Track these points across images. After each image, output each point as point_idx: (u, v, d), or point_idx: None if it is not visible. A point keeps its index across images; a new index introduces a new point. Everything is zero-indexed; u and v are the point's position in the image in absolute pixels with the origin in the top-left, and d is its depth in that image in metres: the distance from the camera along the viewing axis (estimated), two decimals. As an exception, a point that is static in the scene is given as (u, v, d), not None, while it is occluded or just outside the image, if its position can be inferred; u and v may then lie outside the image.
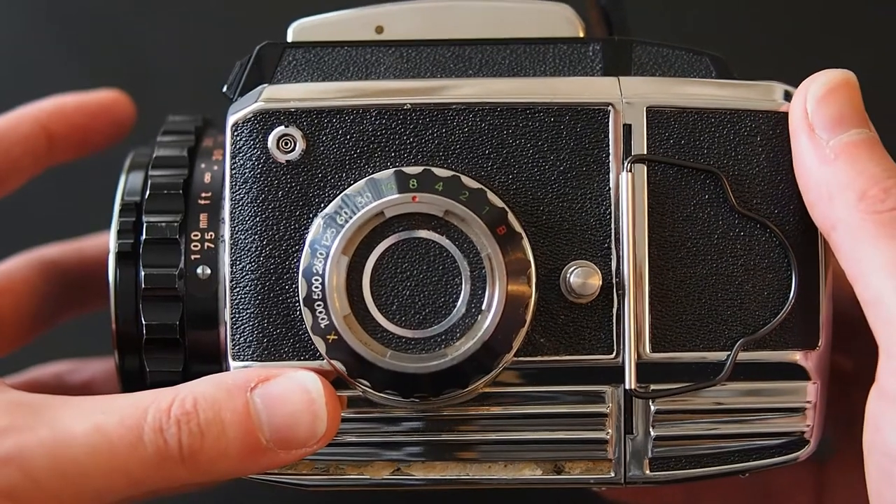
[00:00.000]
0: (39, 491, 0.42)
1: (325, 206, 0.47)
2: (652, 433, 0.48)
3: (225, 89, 0.50)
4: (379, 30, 0.51)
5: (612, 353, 0.47)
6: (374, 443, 0.48)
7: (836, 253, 0.45)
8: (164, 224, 0.49)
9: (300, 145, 0.47)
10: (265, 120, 0.47)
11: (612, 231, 0.47)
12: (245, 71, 0.49)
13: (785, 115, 0.48)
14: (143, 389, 0.49)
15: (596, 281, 0.47)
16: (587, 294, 0.47)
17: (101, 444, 0.43)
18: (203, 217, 0.50)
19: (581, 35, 0.51)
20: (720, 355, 0.48)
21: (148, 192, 0.50)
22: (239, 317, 0.47)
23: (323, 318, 0.46)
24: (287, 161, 0.47)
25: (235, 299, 0.47)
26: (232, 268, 0.47)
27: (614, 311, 0.47)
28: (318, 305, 0.46)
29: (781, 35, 0.73)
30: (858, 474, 0.45)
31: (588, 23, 0.52)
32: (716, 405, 0.48)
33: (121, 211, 0.50)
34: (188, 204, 0.50)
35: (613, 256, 0.47)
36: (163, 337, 0.49)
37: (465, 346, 0.46)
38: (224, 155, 0.48)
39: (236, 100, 0.49)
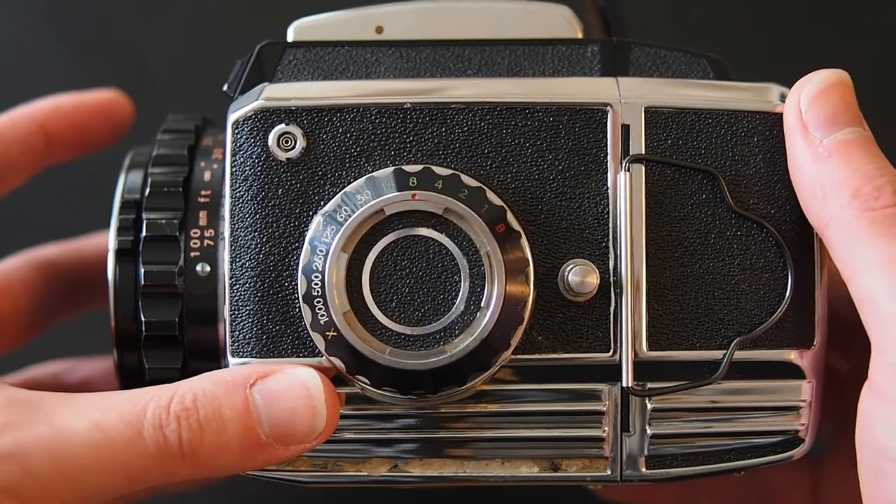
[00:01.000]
0: (39, 487, 0.42)
1: (325, 204, 0.47)
2: (648, 431, 0.48)
3: (226, 88, 0.50)
4: (379, 30, 0.51)
5: (609, 352, 0.48)
6: (372, 439, 0.48)
7: (830, 251, 0.46)
8: (163, 221, 0.49)
9: (300, 143, 0.48)
10: (266, 118, 0.48)
11: (610, 230, 0.48)
12: (246, 70, 0.50)
13: (781, 116, 0.48)
14: (142, 387, 0.49)
15: (594, 280, 0.47)
16: (585, 292, 0.47)
17: (100, 440, 0.43)
18: (203, 215, 0.50)
19: (580, 36, 0.51)
20: (716, 354, 0.48)
21: (148, 190, 0.50)
22: (238, 314, 0.48)
23: (322, 315, 0.46)
24: (287, 159, 0.48)
25: (235, 296, 0.47)
26: (232, 265, 0.48)
27: (612, 309, 0.48)
28: (318, 302, 0.46)
29: (778, 36, 0.74)
30: (854, 472, 0.45)
31: (587, 24, 0.52)
32: (712, 403, 0.48)
33: (121, 208, 0.50)
34: (188, 201, 0.50)
35: (611, 255, 0.48)
36: (162, 334, 0.49)
37: (463, 344, 0.46)
38: (224, 153, 0.48)
39: (237, 98, 0.49)
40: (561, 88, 0.48)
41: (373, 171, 0.47)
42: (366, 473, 0.48)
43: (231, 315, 0.48)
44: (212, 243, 0.49)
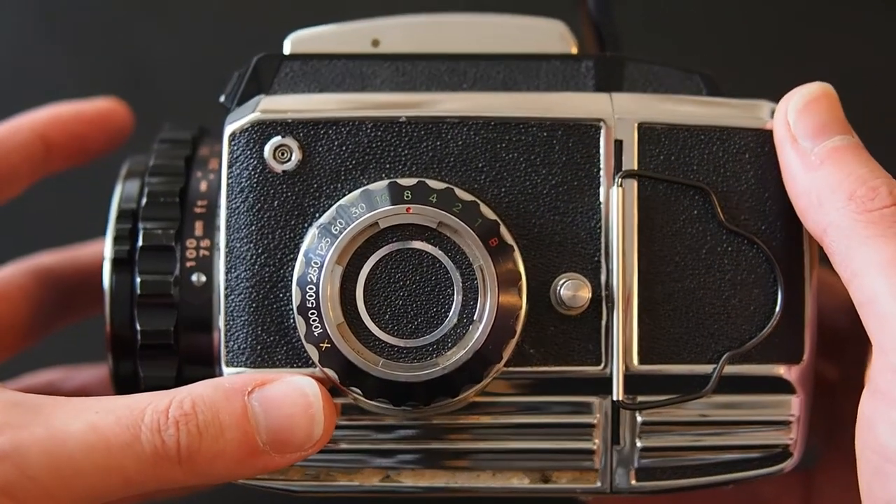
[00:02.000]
0: (35, 488, 0.42)
1: (320, 216, 0.48)
2: (638, 444, 0.49)
3: (222, 99, 0.50)
4: (375, 43, 0.51)
5: (600, 365, 0.48)
6: (365, 450, 0.49)
7: (830, 256, 0.46)
8: (160, 231, 0.50)
9: (296, 156, 0.48)
10: (262, 130, 0.48)
11: (603, 245, 0.48)
12: (242, 82, 0.50)
13: (771, 132, 0.48)
14: (136, 392, 0.49)
15: (586, 294, 0.48)
16: (577, 306, 0.48)
17: (97, 442, 0.43)
18: (199, 225, 0.50)
19: (574, 51, 0.51)
20: (706, 368, 0.48)
21: (144, 200, 0.50)
22: (233, 324, 0.48)
23: (316, 327, 0.46)
24: (283, 171, 0.48)
25: (230, 306, 0.48)
26: (227, 275, 0.48)
27: (603, 323, 0.48)
28: (312, 314, 0.46)
29: (770, 53, 0.74)
30: (845, 480, 0.46)
31: (581, 39, 0.53)
32: (701, 417, 0.49)
33: (117, 218, 0.51)
34: (184, 212, 0.50)
35: (603, 270, 0.48)
36: (157, 343, 0.49)
37: (456, 356, 0.46)
38: (221, 164, 0.49)
39: (234, 110, 0.49)
40: (555, 104, 0.49)
41: (368, 184, 0.48)
42: (358, 483, 0.49)
43: (226, 325, 0.48)
44: (207, 253, 0.50)
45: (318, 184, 0.48)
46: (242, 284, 0.48)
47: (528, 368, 0.48)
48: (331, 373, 0.47)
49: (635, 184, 0.48)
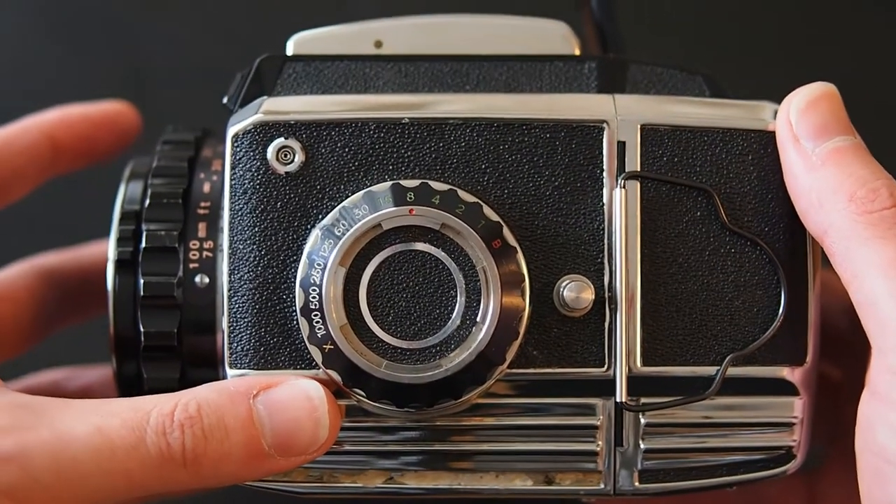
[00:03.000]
0: (39, 489, 0.43)
1: (323, 218, 0.48)
2: (642, 445, 0.49)
3: (225, 101, 0.50)
4: (378, 44, 0.51)
5: (603, 367, 0.48)
6: (368, 451, 0.49)
7: (831, 257, 0.46)
8: (163, 233, 0.50)
9: (299, 157, 0.48)
10: (265, 132, 0.48)
11: (606, 246, 0.48)
12: (246, 83, 0.50)
13: (774, 133, 0.49)
14: (141, 395, 0.49)
15: (589, 295, 0.48)
16: (580, 308, 0.48)
17: (101, 444, 0.43)
18: (202, 226, 0.50)
19: (577, 52, 0.51)
20: (710, 370, 0.48)
21: (148, 201, 0.50)
22: (236, 325, 0.48)
23: (320, 329, 0.47)
24: (286, 172, 0.48)
25: (233, 308, 0.48)
26: (230, 277, 0.48)
27: (606, 325, 0.48)
28: (315, 315, 0.46)
29: (774, 53, 0.74)
30: (849, 482, 0.46)
31: (584, 40, 0.53)
32: (705, 419, 0.49)
33: (120, 219, 0.51)
34: (187, 213, 0.50)
35: (606, 271, 0.48)
36: (161, 344, 0.49)
37: (459, 358, 0.46)
38: (224, 165, 0.49)
39: (237, 111, 0.49)
40: (558, 105, 0.49)
41: (371, 186, 0.48)
42: (361, 485, 0.49)
43: (229, 326, 0.48)
44: (210, 255, 0.50)
45: (321, 185, 0.48)
46: (246, 286, 0.48)
47: (532, 370, 0.48)
48: (334, 374, 0.47)
49: (638, 185, 0.48)
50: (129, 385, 0.51)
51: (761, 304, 0.49)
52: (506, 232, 0.47)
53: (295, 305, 0.47)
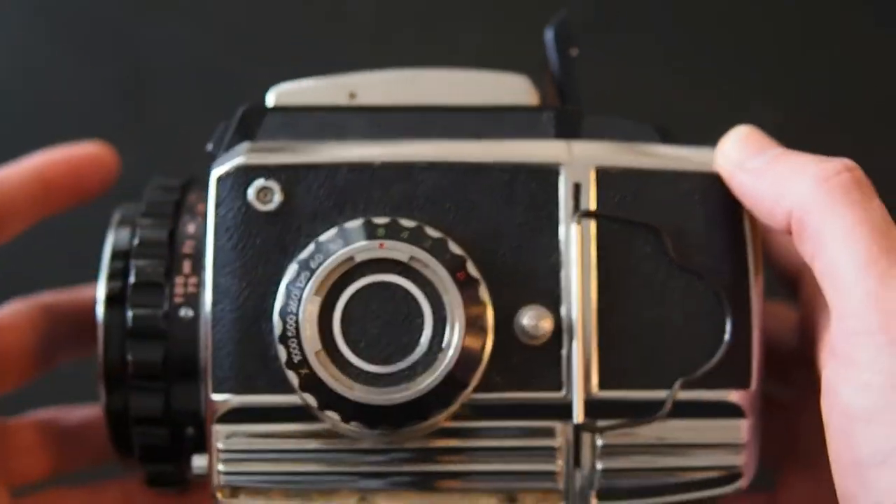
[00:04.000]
0: None
1: (300, 252, 0.51)
2: (599, 466, 0.51)
3: (210, 148, 0.54)
4: (352, 96, 0.55)
5: (561, 391, 0.51)
6: (342, 472, 0.51)
7: (797, 241, 0.48)
8: (150, 269, 0.53)
9: (278, 197, 0.52)
10: (247, 173, 0.52)
11: (563, 279, 0.51)
12: (229, 131, 0.53)
13: (718, 176, 0.52)
14: (127, 421, 0.52)
15: (547, 324, 0.51)
16: (539, 336, 0.51)
17: None
18: (187, 263, 0.53)
19: (536, 104, 0.55)
20: (662, 394, 0.51)
21: (137, 240, 0.54)
22: (218, 353, 0.51)
23: (296, 354, 0.49)
24: (266, 211, 0.51)
25: (216, 337, 0.51)
26: (213, 308, 0.51)
27: (564, 352, 0.51)
28: (292, 342, 0.50)
29: (719, 104, 0.78)
30: (808, 493, 0.48)
31: (544, 92, 0.57)
32: (658, 440, 0.51)
33: (111, 258, 0.54)
34: (173, 251, 0.54)
35: (563, 302, 0.51)
36: (147, 373, 0.52)
37: (426, 381, 0.49)
38: (207, 205, 0.52)
39: (220, 156, 0.53)
40: (518, 150, 0.52)
41: (344, 223, 0.51)
42: (335, 503, 0.52)
43: (212, 355, 0.51)
44: (195, 290, 0.53)
45: (299, 223, 0.51)
46: (228, 317, 0.51)
47: (495, 394, 0.51)
48: (309, 398, 0.50)
49: (593, 223, 0.52)
50: (117, 416, 0.54)
51: (708, 333, 0.52)
52: (469, 265, 0.50)
53: (273, 334, 0.50)
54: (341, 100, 0.55)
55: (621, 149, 0.53)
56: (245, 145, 0.52)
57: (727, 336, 0.52)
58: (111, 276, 0.54)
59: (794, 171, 0.49)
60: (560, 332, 0.51)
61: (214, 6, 0.77)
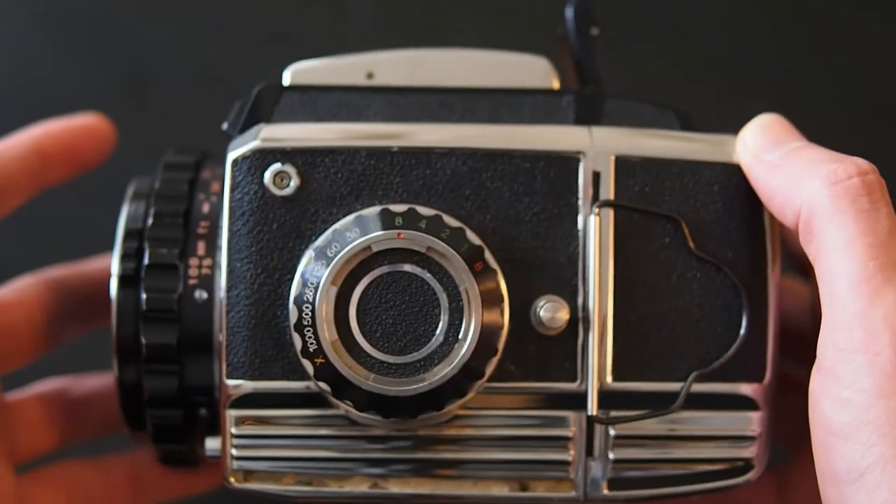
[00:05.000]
0: None
1: (316, 239, 0.50)
2: (611, 456, 0.52)
3: (225, 127, 0.53)
4: (369, 76, 0.54)
5: (576, 382, 0.51)
6: (355, 459, 0.51)
7: (804, 245, 0.48)
8: (165, 251, 0.53)
9: (295, 182, 0.51)
10: (263, 157, 0.51)
11: (580, 269, 0.51)
12: (244, 111, 0.53)
13: (738, 166, 0.52)
14: (141, 402, 0.52)
15: (564, 315, 0.51)
16: (555, 327, 0.51)
17: None
18: (201, 245, 0.53)
19: (556, 86, 0.54)
20: (675, 386, 0.51)
21: (151, 221, 0.53)
22: (233, 339, 0.51)
23: (312, 343, 0.49)
24: (282, 196, 0.51)
25: (231, 323, 0.51)
26: (228, 293, 0.51)
27: (579, 343, 0.51)
28: (308, 331, 0.49)
29: (741, 90, 0.78)
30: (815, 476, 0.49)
31: (563, 74, 0.56)
32: (670, 432, 0.52)
33: (124, 237, 0.54)
34: (188, 232, 0.53)
35: (580, 293, 0.51)
36: (161, 356, 0.52)
37: (442, 372, 0.49)
38: (223, 188, 0.52)
39: (236, 138, 0.52)
40: (538, 136, 0.52)
41: (361, 210, 0.51)
42: (348, 490, 0.52)
43: (227, 340, 0.51)
44: (209, 272, 0.53)
45: (315, 208, 0.51)
46: (243, 302, 0.51)
47: (509, 384, 0.51)
48: (324, 386, 0.50)
49: (611, 213, 0.51)
50: (130, 393, 0.54)
51: (724, 325, 0.52)
52: (487, 255, 0.50)
53: (289, 321, 0.50)
54: (359, 80, 0.54)
55: (642, 136, 0.53)
56: (261, 127, 0.52)
57: (743, 329, 0.52)
58: (125, 257, 0.53)
59: (806, 170, 0.48)
60: (576, 323, 0.51)
61: (214, 5, 0.76)
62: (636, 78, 0.67)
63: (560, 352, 0.51)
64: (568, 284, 0.51)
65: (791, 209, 0.49)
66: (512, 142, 0.52)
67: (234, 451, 0.51)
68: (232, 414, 0.51)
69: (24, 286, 0.58)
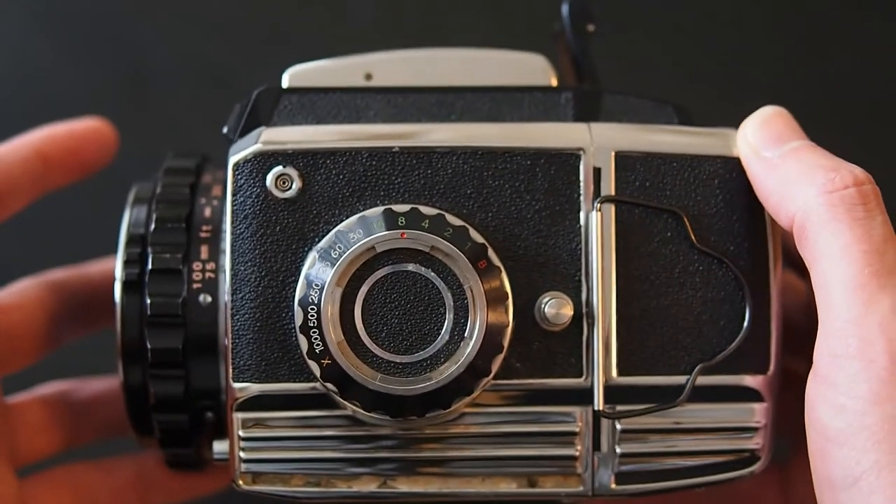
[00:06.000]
0: None
1: (320, 241, 0.51)
2: (618, 450, 0.52)
3: (225, 131, 0.53)
4: (368, 77, 0.54)
5: (582, 377, 0.51)
6: (363, 458, 0.52)
7: (799, 246, 0.48)
8: (168, 255, 0.53)
9: (297, 184, 0.51)
10: (264, 160, 0.51)
11: (583, 265, 0.51)
12: (244, 114, 0.53)
13: (738, 159, 0.52)
14: (147, 407, 0.52)
15: (568, 311, 0.51)
16: (560, 323, 0.51)
17: None
18: (204, 249, 0.53)
19: (554, 84, 0.55)
20: (680, 379, 0.52)
21: (153, 226, 0.53)
22: (239, 342, 0.51)
23: (318, 345, 0.49)
24: (284, 198, 0.51)
25: (236, 326, 0.51)
26: (233, 297, 0.51)
27: (584, 338, 0.51)
28: (314, 333, 0.49)
29: (738, 84, 0.78)
30: None
31: (560, 72, 0.56)
32: (676, 425, 0.52)
33: (127, 242, 0.54)
34: (190, 236, 0.53)
35: (584, 288, 0.51)
36: (166, 360, 0.52)
37: (448, 371, 0.50)
38: (225, 192, 0.52)
39: (236, 141, 0.52)
40: (538, 134, 0.52)
41: (364, 211, 0.51)
42: (357, 489, 0.52)
43: (233, 343, 0.51)
44: (213, 275, 0.53)
45: (318, 210, 0.51)
46: (247, 305, 0.51)
47: (515, 381, 0.51)
48: (331, 387, 0.50)
49: (613, 208, 0.52)
50: (136, 397, 0.54)
51: (727, 318, 0.52)
52: (490, 253, 0.50)
53: (294, 323, 0.50)
54: (357, 81, 0.54)
55: (641, 131, 0.53)
56: (261, 130, 0.52)
57: (746, 321, 0.52)
58: (128, 262, 0.53)
59: (803, 174, 0.49)
60: (580, 319, 0.51)
61: (214, 5, 0.77)
62: (636, 78, 0.67)
63: (565, 348, 0.51)
64: (571, 281, 0.51)
65: (785, 212, 0.49)
66: (512, 140, 0.52)
67: (242, 454, 0.51)
68: (239, 417, 0.51)
69: (25, 289, 0.58)
